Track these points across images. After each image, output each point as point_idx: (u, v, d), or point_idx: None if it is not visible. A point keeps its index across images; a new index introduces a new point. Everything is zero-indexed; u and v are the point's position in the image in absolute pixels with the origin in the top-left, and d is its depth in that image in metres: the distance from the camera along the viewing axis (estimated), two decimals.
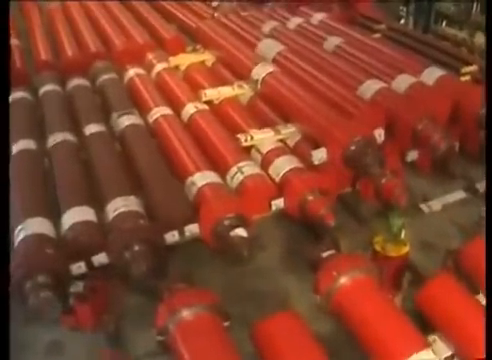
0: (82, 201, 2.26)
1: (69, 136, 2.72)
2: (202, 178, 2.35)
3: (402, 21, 4.57)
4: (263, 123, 2.78)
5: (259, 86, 2.89)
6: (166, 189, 2.34)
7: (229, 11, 4.14)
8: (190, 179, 2.38)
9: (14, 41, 3.94)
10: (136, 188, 2.41)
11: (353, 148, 2.33)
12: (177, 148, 2.57)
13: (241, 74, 3.19)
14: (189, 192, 2.35)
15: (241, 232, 2.12)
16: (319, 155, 2.35)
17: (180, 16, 4.54)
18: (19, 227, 2.14)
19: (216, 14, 4.08)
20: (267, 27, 3.64)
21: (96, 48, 3.77)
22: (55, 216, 2.24)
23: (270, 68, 2.91)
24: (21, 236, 2.10)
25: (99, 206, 2.29)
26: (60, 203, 2.29)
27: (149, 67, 3.48)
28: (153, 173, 2.44)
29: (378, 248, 2.04)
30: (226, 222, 2.15)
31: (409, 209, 2.45)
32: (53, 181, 2.47)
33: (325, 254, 1.94)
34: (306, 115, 2.58)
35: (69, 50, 3.75)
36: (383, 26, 4.09)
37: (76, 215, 2.18)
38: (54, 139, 2.68)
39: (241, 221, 2.18)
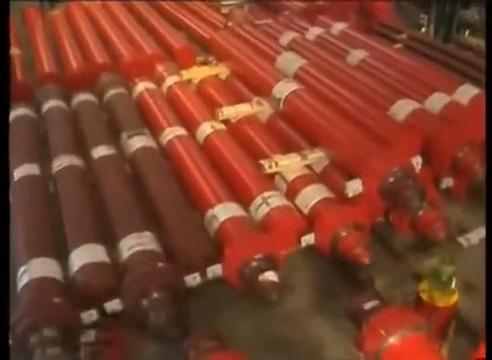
0: (92, 238, 2.03)
1: (75, 159, 2.48)
2: (224, 211, 2.13)
3: (423, 29, 4.35)
4: (285, 145, 2.56)
5: (282, 105, 2.67)
6: (185, 224, 2.11)
7: (242, 19, 3.92)
8: (210, 212, 2.15)
9: (15, 50, 3.70)
10: (150, 219, 2.21)
11: (392, 180, 2.11)
12: (195, 175, 2.34)
13: (258, 89, 2.97)
14: (209, 226, 2.13)
15: (271, 276, 1.91)
16: (354, 187, 2.13)
17: (189, 23, 4.30)
18: (22, 269, 1.92)
19: (230, 23, 3.85)
20: (285, 38, 3.41)
21: (102, 59, 3.53)
22: (62, 255, 2.02)
23: (294, 86, 2.68)
24: (24, 280, 1.87)
25: (111, 242, 2.08)
26: (68, 239, 2.07)
27: (159, 80, 3.26)
28: (169, 204, 2.22)
29: (424, 297, 1.83)
30: (254, 264, 1.93)
31: (446, 243, 2.27)
32: (59, 212, 2.25)
33: (368, 306, 1.74)
34: (336, 139, 2.36)
35: (74, 61, 3.50)
36: (404, 36, 3.88)
37: (86, 254, 1.95)
38: (59, 163, 2.44)
39: (270, 262, 1.97)
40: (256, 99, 2.88)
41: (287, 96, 2.63)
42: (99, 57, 3.56)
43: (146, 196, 2.31)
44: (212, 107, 2.90)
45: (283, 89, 2.68)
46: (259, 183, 2.29)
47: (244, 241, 1.98)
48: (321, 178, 2.37)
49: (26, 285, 1.86)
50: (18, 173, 2.41)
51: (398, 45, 3.78)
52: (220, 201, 2.18)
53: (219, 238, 2.07)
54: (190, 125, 2.79)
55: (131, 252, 1.96)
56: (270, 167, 2.34)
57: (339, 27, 3.59)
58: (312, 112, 2.51)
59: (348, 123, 2.42)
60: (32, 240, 2.04)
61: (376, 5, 4.12)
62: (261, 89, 2.93)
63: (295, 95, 2.62)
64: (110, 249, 2.04)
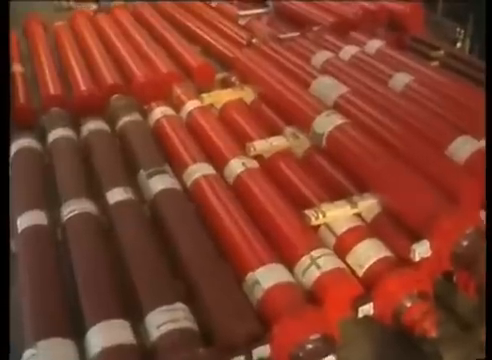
0: (113, 311, 1.70)
1: (88, 205, 2.15)
2: (268, 275, 1.80)
3: (458, 44, 4.03)
4: (328, 187, 2.23)
5: (324, 142, 2.34)
6: (222, 291, 1.79)
7: (266, 35, 3.58)
8: (251, 275, 1.82)
9: (17, 67, 3.34)
10: (179, 279, 1.89)
11: (466, 244, 1.80)
12: (230, 229, 2.00)
13: (291, 119, 2.65)
14: (251, 293, 1.80)
15: None
16: (421, 250, 1.81)
17: (205, 36, 3.96)
18: (27, 353, 1.58)
19: (254, 40, 3.50)
20: (318, 59, 3.06)
21: (113, 79, 3.17)
22: (77, 332, 1.69)
23: (338, 119, 2.35)
24: None
25: (134, 313, 1.75)
26: (83, 312, 1.73)
27: (178, 104, 2.93)
28: (201, 264, 1.89)
29: None
30: (309, 347, 1.62)
31: None
32: (70, 271, 1.92)
33: None
34: (392, 187, 2.05)
35: (81, 82, 3.14)
36: (441, 52, 3.57)
37: (106, 334, 1.62)
38: (69, 210, 2.11)
39: (327, 342, 1.65)
40: (290, 131, 2.56)
41: (331, 131, 2.30)
42: (109, 77, 3.20)
43: (172, 252, 1.99)
44: (240, 138, 2.58)
45: (325, 123, 2.34)
46: (305, 238, 1.97)
47: (296, 318, 1.65)
48: (372, 229, 2.05)
49: None
50: (22, 222, 2.07)
51: (434, 63, 3.48)
52: (262, 262, 1.86)
53: (264, 310, 1.74)
54: (216, 160, 2.46)
55: (161, 331, 1.63)
56: (316, 218, 2.02)
57: (375, 45, 3.26)
58: (362, 152, 2.18)
59: (403, 166, 2.11)
60: (40, 314, 1.70)
61: (408, 19, 3.80)
62: (295, 119, 2.60)
63: (340, 131, 2.29)
64: (134, 323, 1.72)
